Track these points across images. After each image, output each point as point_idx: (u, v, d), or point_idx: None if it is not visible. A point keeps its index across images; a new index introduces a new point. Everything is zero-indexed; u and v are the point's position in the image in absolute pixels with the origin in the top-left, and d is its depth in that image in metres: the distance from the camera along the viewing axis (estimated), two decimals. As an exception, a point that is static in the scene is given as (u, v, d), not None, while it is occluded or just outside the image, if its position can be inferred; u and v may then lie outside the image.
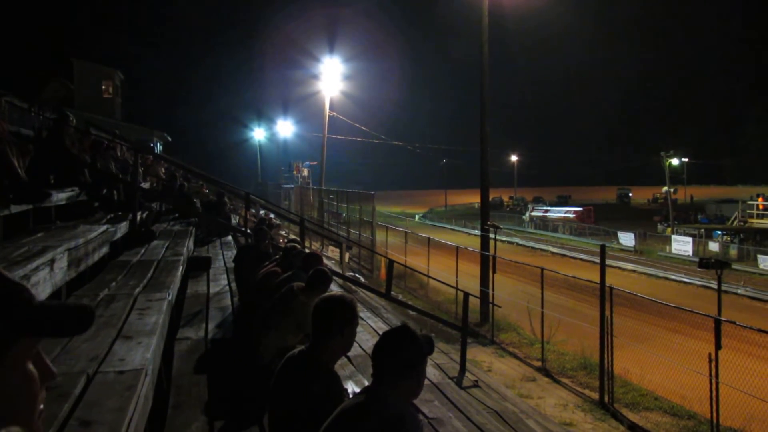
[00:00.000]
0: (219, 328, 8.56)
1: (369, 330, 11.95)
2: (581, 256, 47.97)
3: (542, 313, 18.87)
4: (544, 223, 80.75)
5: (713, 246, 51.78)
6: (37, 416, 1.29)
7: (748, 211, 73.58)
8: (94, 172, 11.63)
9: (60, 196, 9.31)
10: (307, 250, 9.31)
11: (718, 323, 12.47)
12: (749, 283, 36.95)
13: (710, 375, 11.92)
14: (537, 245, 60.10)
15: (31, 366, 1.27)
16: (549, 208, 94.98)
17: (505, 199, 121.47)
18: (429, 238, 31.34)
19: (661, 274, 42.69)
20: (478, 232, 25.03)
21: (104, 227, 8.99)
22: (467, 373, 14.00)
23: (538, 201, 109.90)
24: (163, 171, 21.68)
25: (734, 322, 13.38)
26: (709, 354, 12.05)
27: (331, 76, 48.83)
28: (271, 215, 23.13)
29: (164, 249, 11.12)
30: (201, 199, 20.32)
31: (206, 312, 9.35)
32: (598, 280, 15.80)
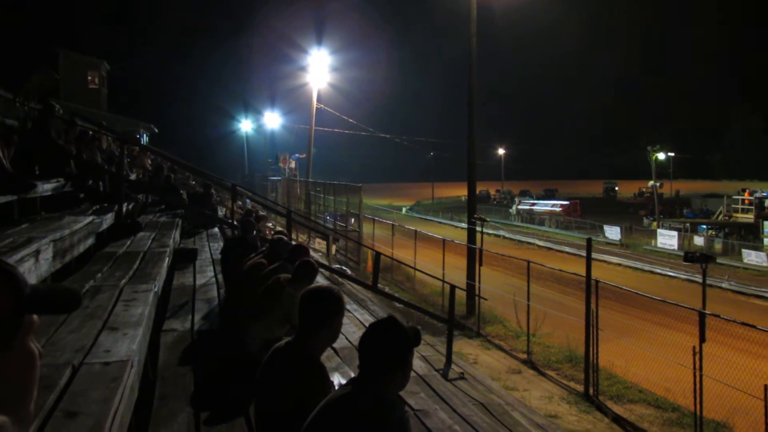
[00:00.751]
0: (205, 320, 8.54)
1: (356, 322, 11.95)
2: (567, 249, 48.11)
3: (528, 305, 18.94)
4: (530, 217, 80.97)
5: (698, 240, 52.09)
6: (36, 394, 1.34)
7: (733, 206, 74.06)
8: (80, 163, 11.56)
9: (45, 187, 9.27)
10: (293, 242, 9.31)
11: (702, 316, 12.54)
12: (733, 277, 37.21)
13: (694, 368, 12.00)
14: (523, 238, 60.29)
15: (32, 342, 1.31)
16: (536, 201, 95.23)
17: (492, 192, 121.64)
18: (416, 231, 31.37)
19: (647, 267, 42.94)
20: (464, 225, 25.06)
21: (90, 218, 8.95)
22: (453, 366, 14.05)
23: (524, 194, 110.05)
24: (150, 162, 21.59)
25: (718, 316, 13.46)
26: (693, 347, 12.13)
27: (319, 68, 48.70)
28: (258, 207, 23.07)
29: (150, 240, 11.08)
30: (187, 191, 20.26)
31: (192, 303, 9.33)
32: (584, 273, 15.87)
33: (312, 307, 3.93)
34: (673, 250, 49.23)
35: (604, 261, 41.89)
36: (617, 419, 13.26)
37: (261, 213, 17.69)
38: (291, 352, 3.91)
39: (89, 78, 40.61)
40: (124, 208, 12.16)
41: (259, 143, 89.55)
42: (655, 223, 67.13)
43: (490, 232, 46.79)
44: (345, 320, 5.18)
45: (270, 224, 20.07)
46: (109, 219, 10.86)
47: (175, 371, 6.65)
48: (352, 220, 39.90)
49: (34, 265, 5.56)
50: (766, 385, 10.29)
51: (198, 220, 17.47)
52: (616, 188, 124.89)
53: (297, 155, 64.63)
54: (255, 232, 10.91)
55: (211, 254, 13.44)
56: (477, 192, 27.74)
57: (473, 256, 23.65)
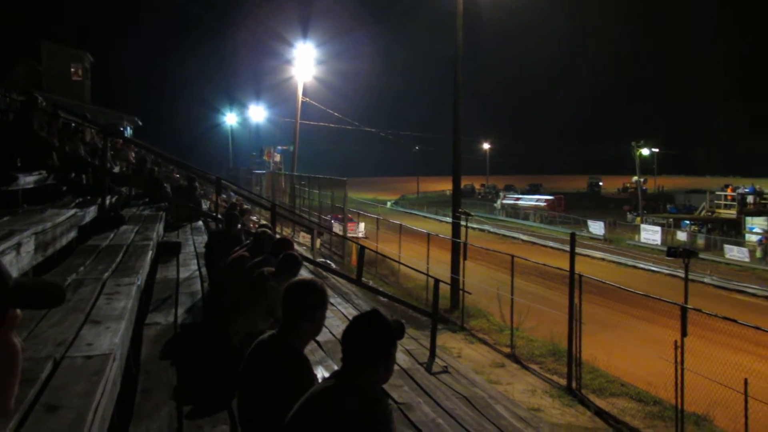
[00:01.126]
0: (188, 313, 8.52)
1: (339, 316, 11.97)
2: (551, 243, 48.28)
3: (512, 300, 19.00)
4: (515, 211, 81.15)
5: (681, 235, 52.40)
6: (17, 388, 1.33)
7: (716, 202, 74.48)
8: (63, 156, 11.50)
9: (27, 180, 9.22)
10: (277, 236, 9.29)
11: (684, 311, 12.63)
12: (715, 272, 37.47)
13: (676, 362, 12.08)
14: (508, 233, 60.43)
15: (14, 336, 1.30)
16: (520, 196, 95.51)
17: (477, 186, 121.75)
18: (401, 225, 31.40)
19: (630, 262, 43.16)
20: (449, 220, 25.13)
21: (72, 211, 8.91)
22: (437, 359, 14.05)
23: (509, 189, 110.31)
24: (134, 155, 21.48)
25: (700, 310, 13.57)
26: (675, 341, 12.21)
27: (304, 62, 48.59)
28: (243, 200, 23.01)
29: (133, 234, 11.04)
30: (171, 184, 20.17)
31: (176, 297, 9.30)
32: (567, 267, 15.93)
33: (295, 299, 3.93)
34: (657, 245, 49.49)
35: (588, 256, 42.04)
36: (599, 412, 13.33)
37: (245, 206, 17.67)
38: (274, 345, 3.90)
39: (72, 70, 40.35)
40: (108, 201, 12.11)
41: (244, 137, 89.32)
42: (638, 219, 67.45)
43: (475, 226, 47.02)
44: (329, 314, 5.18)
45: (254, 218, 20.05)
46: (91, 212, 10.82)
47: (158, 365, 6.64)
48: (362, 225, 41.49)
49: (16, 258, 5.53)
50: (746, 379, 10.37)
51: (182, 213, 17.41)
52: (601, 183, 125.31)
53: (281, 148, 64.41)
54: (239, 225, 10.89)
55: (195, 248, 13.40)
56: (462, 186, 27.79)
57: (457, 250, 23.69)
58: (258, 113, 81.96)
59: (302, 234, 32.07)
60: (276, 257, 6.72)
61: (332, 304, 15.45)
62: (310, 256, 21.94)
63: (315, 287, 4.03)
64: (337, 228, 35.03)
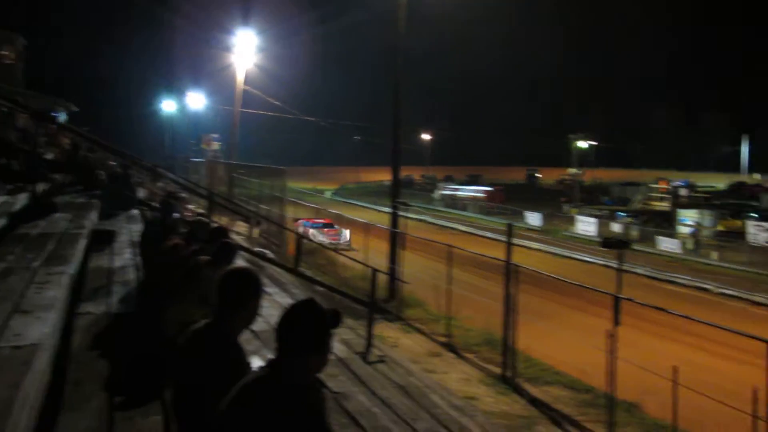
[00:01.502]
0: (122, 303, 8.40)
1: (276, 305, 11.91)
2: (489, 234, 48.69)
3: (448, 290, 19.14)
4: (454, 202, 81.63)
5: (616, 227, 53.38)
6: None
7: (650, 194, 76.22)
8: (-8, 141, 11.23)
9: (-45, 166, 8.98)
10: (214, 225, 9.24)
11: (617, 300, 12.90)
12: (649, 263, 38.27)
13: (608, 350, 12.33)
14: (446, 223, 60.77)
15: None
16: (459, 187, 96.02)
17: (417, 177, 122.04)
18: (339, 215, 31.40)
19: (566, 253, 43.80)
20: (388, 210, 25.21)
21: (3, 198, 8.72)
22: (374, 349, 14.12)
23: (449, 180, 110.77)
24: (68, 141, 21.04)
25: (632, 300, 13.88)
26: (608, 330, 12.45)
27: (244, 49, 47.96)
28: (179, 189, 22.73)
29: (66, 222, 10.84)
30: (106, 171, 19.81)
31: (109, 286, 9.17)
32: (504, 258, 16.13)
33: (230, 288, 3.92)
34: (592, 236, 50.33)
35: (525, 246, 42.54)
36: (533, 401, 13.54)
37: (182, 195, 17.46)
38: (208, 333, 3.88)
39: (4, 53, 39.31)
40: (40, 188, 11.86)
41: (182, 124, 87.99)
42: (574, 210, 68.49)
43: (414, 216, 47.17)
44: (265, 303, 5.18)
45: (191, 206, 19.80)
46: (23, 199, 10.59)
47: (89, 355, 6.54)
48: (347, 232, 37.64)
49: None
50: (674, 367, 10.65)
51: (117, 201, 17.12)
52: (539, 175, 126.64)
53: (219, 136, 63.71)
54: (175, 214, 10.77)
55: (130, 236, 13.20)
56: (401, 177, 27.86)
57: (395, 241, 23.78)
58: (197, 101, 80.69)
59: (239, 223, 31.79)
60: (212, 246, 6.68)
61: (269, 294, 15.36)
62: (247, 245, 21.80)
63: (249, 276, 4.03)
64: (315, 235, 34.47)
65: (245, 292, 3.94)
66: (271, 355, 3.21)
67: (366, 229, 26.57)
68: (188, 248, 7.49)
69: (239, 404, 3.12)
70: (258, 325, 8.45)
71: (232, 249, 6.22)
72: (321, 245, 30.68)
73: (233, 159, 45.52)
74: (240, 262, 10.55)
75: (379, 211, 65.80)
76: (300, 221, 38.43)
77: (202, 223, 8.36)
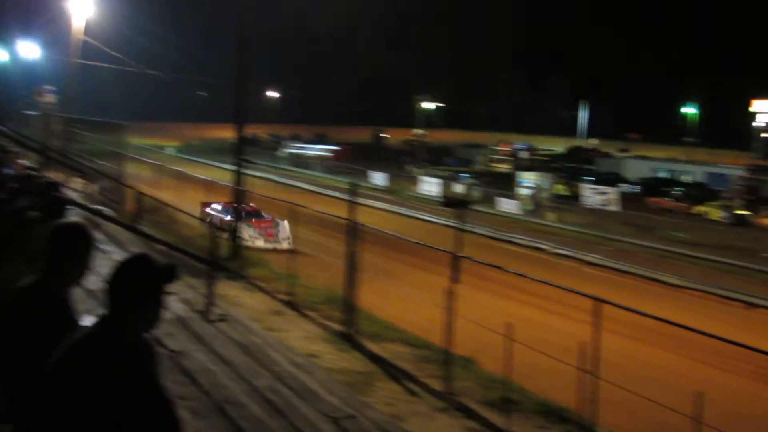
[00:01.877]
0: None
1: (112, 263, 11.43)
2: (335, 193, 48.85)
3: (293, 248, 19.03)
4: (300, 161, 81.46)
5: (458, 188, 54.82)
6: None
7: (492, 156, 78.69)
8: None
9: None
10: (46, 180, 8.80)
11: (455, 259, 13.12)
12: (489, 223, 39.50)
13: (446, 307, 12.54)
14: (292, 182, 60.57)
15: None
16: (305, 145, 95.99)
17: (263, 135, 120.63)
18: (180, 172, 30.61)
19: (410, 213, 44.57)
20: (231, 167, 24.67)
21: None
22: (214, 308, 13.93)
23: (295, 138, 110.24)
24: None
25: (470, 258, 14.20)
26: (447, 287, 12.67)
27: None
28: (10, 143, 21.44)
29: None
30: None
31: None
32: (347, 217, 16.12)
33: (57, 243, 3.81)
34: (435, 196, 51.40)
35: (370, 206, 42.97)
36: (374, 357, 13.65)
37: (12, 149, 16.47)
38: (36, 290, 3.73)
39: None
40: None
41: (14, 75, 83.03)
42: (418, 171, 69.76)
43: (259, 174, 46.62)
44: (102, 262, 4.91)
45: (22, 161, 18.75)
46: None
47: None
48: (285, 225, 27.71)
49: None
50: (508, 323, 10.95)
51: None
52: (386, 136, 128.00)
53: (54, 88, 60.57)
54: (6, 169, 10.20)
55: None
56: (247, 135, 27.39)
57: (240, 199, 23.42)
58: (30, 50, 76.28)
59: (76, 179, 30.40)
60: (42, 200, 6.41)
61: (106, 252, 14.82)
62: (84, 202, 20.91)
63: (78, 230, 3.93)
64: (240, 230, 23.06)
65: (74, 247, 3.83)
66: (103, 312, 3.08)
67: (209, 187, 25.95)
68: (17, 203, 7.10)
69: (68, 361, 3.02)
70: (93, 283, 8.03)
71: (63, 204, 5.90)
72: (247, 245, 24.06)
73: (70, 112, 43.51)
74: (74, 218, 10.03)
75: (224, 168, 64.89)
76: (210, 206, 30.48)
77: (32, 177, 7.88)
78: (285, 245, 26.24)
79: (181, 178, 36.32)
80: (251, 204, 28.70)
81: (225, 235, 21.09)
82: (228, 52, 30.30)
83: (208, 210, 30.12)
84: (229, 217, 25.64)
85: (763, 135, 67.49)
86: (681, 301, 23.98)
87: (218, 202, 30.00)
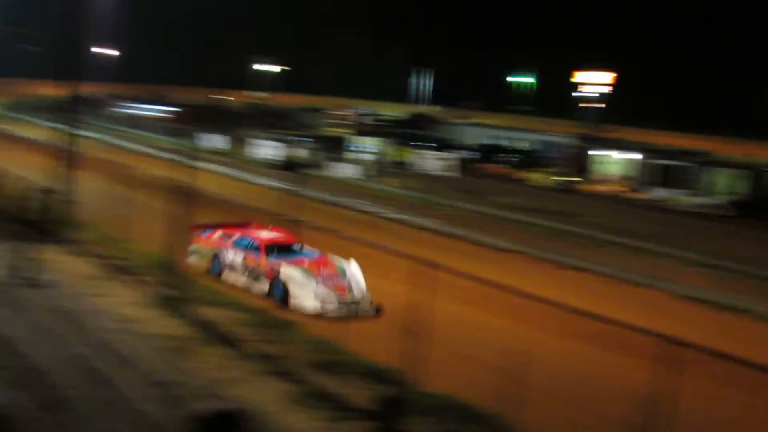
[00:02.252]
0: None
1: None
2: (173, 156, 47.54)
3: (120, 212, 18.63)
4: (136, 122, 78.88)
5: (295, 151, 54.70)
6: None
7: (333, 121, 79.08)
8: None
9: None
10: None
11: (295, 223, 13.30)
12: (326, 188, 39.59)
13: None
14: (128, 144, 58.70)
15: None
16: (143, 106, 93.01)
17: (98, 94, 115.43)
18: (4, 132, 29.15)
19: (248, 177, 44.10)
20: (62, 127, 23.65)
21: None
22: (40, 273, 13.57)
23: (132, 99, 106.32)
24: None
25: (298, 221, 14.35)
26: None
27: None
28: None
29: None
30: None
31: None
32: (182, 179, 15.91)
33: None
34: (273, 160, 51.01)
35: (209, 170, 42.30)
36: (199, 322, 13.55)
37: None
38: None
39: None
40: None
41: None
42: (259, 134, 69.10)
43: (91, 135, 44.91)
44: None
45: None
46: None
47: None
48: (355, 268, 17.02)
49: None
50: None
51: None
52: (229, 98, 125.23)
53: None
54: None
55: None
56: (81, 93, 26.44)
57: (71, 161, 22.64)
58: None
59: None
60: None
61: None
62: None
63: None
64: (305, 291, 16.02)
65: None
66: None
67: (33, 146, 24.88)
68: None
69: None
70: None
71: None
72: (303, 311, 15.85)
73: None
74: None
75: (55, 128, 61.93)
76: (215, 234, 19.08)
77: None
78: (368, 307, 16.50)
79: (8, 138, 34.41)
80: (271, 228, 18.74)
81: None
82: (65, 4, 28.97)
83: (211, 240, 18.90)
84: (262, 257, 17.08)
85: (581, 105, 70.90)
86: (505, 263, 24.70)
87: (224, 228, 19.27)
